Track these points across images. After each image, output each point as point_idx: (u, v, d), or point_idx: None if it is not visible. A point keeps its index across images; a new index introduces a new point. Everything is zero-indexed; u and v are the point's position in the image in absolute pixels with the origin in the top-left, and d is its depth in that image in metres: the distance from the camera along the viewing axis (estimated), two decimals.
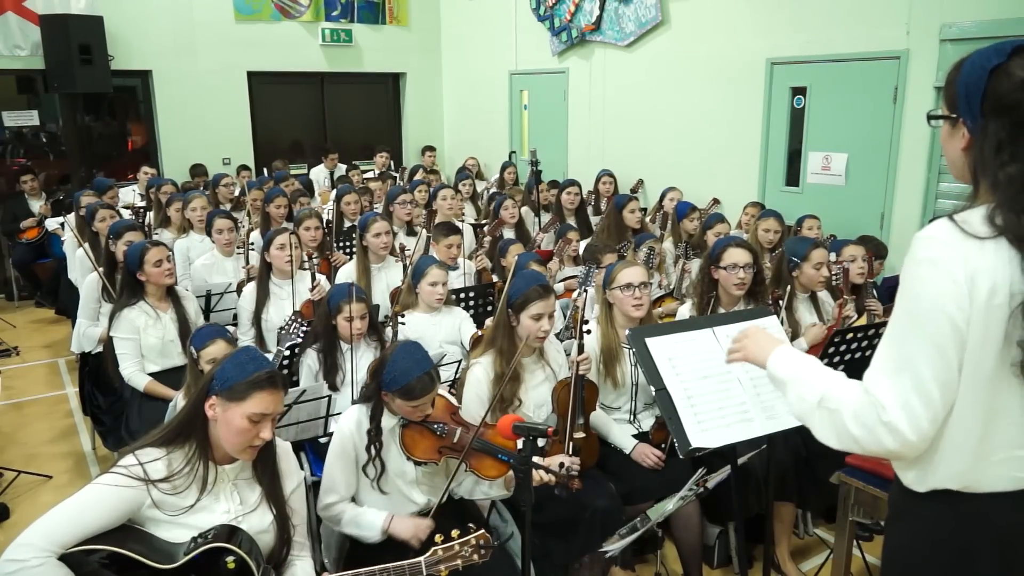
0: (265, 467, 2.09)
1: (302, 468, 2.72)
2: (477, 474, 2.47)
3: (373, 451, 2.45)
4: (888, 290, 4.64)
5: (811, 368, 1.59)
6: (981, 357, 1.38)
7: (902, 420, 1.38)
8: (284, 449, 2.20)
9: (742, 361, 1.83)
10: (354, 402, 2.60)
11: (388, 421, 2.48)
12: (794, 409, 1.59)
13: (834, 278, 3.70)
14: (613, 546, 2.49)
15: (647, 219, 6.07)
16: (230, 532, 1.94)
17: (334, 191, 6.88)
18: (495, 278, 4.65)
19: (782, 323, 2.36)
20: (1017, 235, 1.34)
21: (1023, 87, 1.36)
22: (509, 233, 5.48)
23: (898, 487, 1.57)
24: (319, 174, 8.75)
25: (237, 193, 7.02)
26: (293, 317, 3.33)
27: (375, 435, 2.45)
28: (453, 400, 2.67)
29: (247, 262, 4.76)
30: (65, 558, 1.77)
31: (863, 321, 3.70)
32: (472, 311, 4.05)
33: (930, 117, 1.53)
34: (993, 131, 1.38)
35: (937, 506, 1.48)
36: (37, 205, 7.32)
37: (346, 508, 2.47)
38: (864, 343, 3.06)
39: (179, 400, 3.06)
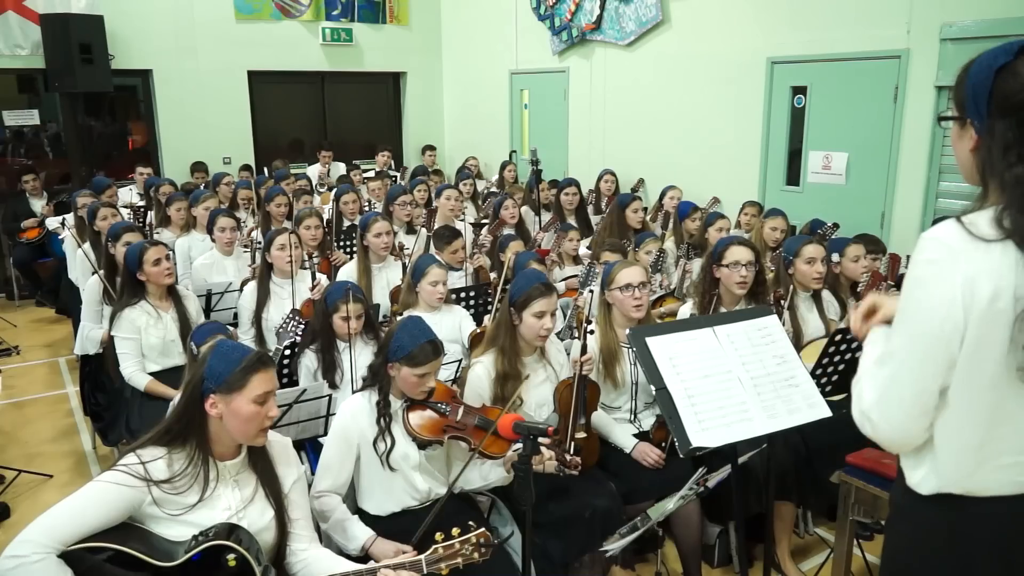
0: (259, 459, 2.11)
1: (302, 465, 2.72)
2: (481, 452, 2.49)
3: (383, 423, 2.47)
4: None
5: (874, 342, 1.55)
6: (979, 361, 1.36)
7: (875, 411, 1.43)
8: (283, 444, 2.21)
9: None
10: (355, 391, 2.61)
11: (392, 404, 2.51)
12: None
13: (861, 282, 3.77)
14: (613, 545, 2.48)
15: (647, 218, 6.07)
16: (231, 530, 1.94)
17: (333, 191, 6.87)
18: (493, 276, 4.65)
19: (783, 323, 2.36)
20: None
21: None
22: (509, 233, 5.47)
23: (900, 488, 1.56)
24: (314, 173, 8.66)
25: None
26: (290, 316, 3.33)
27: (384, 407, 2.48)
28: (452, 386, 2.69)
29: (253, 260, 4.75)
30: (66, 556, 1.77)
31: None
32: (472, 310, 4.05)
33: (941, 118, 1.53)
34: (1000, 131, 1.36)
35: (938, 508, 1.48)
36: (39, 205, 7.32)
37: (338, 507, 2.48)
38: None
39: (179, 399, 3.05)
